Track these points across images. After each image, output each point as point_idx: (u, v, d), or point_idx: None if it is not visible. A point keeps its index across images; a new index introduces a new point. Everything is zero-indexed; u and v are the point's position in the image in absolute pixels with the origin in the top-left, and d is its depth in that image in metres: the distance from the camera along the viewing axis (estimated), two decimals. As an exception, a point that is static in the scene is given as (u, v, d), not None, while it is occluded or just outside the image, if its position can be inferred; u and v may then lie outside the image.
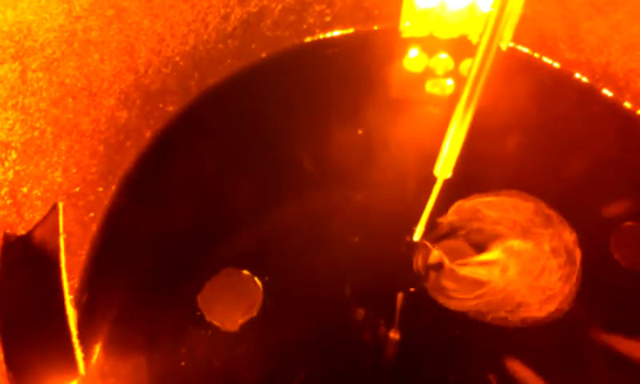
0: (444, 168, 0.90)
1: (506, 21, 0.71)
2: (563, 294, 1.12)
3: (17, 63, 0.86)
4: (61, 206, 0.85)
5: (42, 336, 0.75)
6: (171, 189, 1.24)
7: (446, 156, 0.88)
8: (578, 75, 1.42)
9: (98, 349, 1.06)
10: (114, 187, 1.21)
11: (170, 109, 1.30)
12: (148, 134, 1.27)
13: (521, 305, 1.10)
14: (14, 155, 0.87)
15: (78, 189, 1.07)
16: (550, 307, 1.11)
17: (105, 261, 1.14)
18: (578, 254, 1.15)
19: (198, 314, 1.10)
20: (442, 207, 1.11)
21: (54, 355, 0.74)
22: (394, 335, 1.10)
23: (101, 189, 1.16)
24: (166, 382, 1.04)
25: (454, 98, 1.40)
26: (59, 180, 1.01)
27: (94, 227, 1.16)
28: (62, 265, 0.80)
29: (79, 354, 0.74)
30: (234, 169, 1.28)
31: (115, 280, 1.13)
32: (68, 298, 0.77)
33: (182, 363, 1.06)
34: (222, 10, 1.26)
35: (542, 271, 1.13)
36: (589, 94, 1.41)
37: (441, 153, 0.89)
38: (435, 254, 1.13)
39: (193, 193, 1.24)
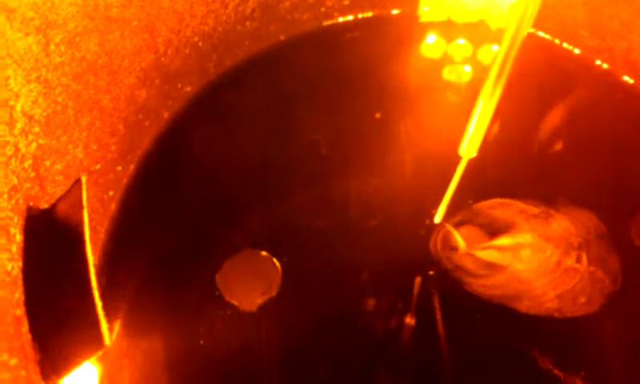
0: (469, 147, 0.89)
1: (534, 8, 0.71)
2: (583, 282, 1.10)
3: (40, 35, 0.86)
4: (84, 179, 0.84)
5: (67, 307, 0.75)
6: (190, 170, 1.24)
7: (472, 135, 0.87)
8: (598, 62, 1.40)
9: (117, 327, 1.06)
10: (132, 167, 1.20)
11: (189, 89, 1.30)
12: (166, 115, 1.26)
13: (536, 292, 1.09)
14: (37, 128, 0.87)
15: (98, 166, 1.07)
16: (568, 298, 1.10)
17: (124, 239, 1.14)
18: (597, 245, 1.14)
19: (217, 293, 1.10)
20: (463, 191, 1.10)
21: (79, 326, 0.74)
22: (410, 318, 1.09)
23: (120, 168, 1.16)
24: (184, 359, 1.04)
25: (471, 85, 1.41)
26: (80, 156, 1.00)
27: (113, 206, 1.15)
28: (87, 237, 0.79)
29: (105, 325, 0.74)
30: (253, 151, 1.27)
31: (134, 258, 1.13)
32: (93, 270, 0.77)
33: (201, 342, 1.05)
34: (242, -9, 1.26)
35: (558, 262, 1.11)
36: (609, 80, 1.40)
37: (466, 132, 0.89)
38: (455, 236, 1.12)
39: (212, 174, 1.24)
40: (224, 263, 1.13)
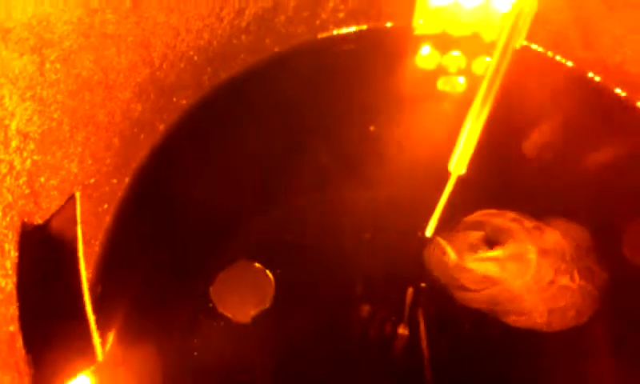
0: (459, 164, 0.90)
1: (525, 20, 0.72)
2: (574, 298, 1.11)
3: (35, 55, 0.87)
4: (78, 195, 0.86)
5: (60, 323, 0.76)
6: (184, 182, 1.25)
7: (461, 152, 0.88)
8: (591, 74, 1.42)
9: (111, 338, 1.07)
10: (127, 179, 1.22)
11: (184, 102, 1.31)
12: (161, 128, 1.28)
13: (526, 306, 1.10)
14: (32, 145, 0.88)
15: (92, 180, 1.08)
16: (557, 311, 1.11)
17: (118, 252, 1.16)
18: (586, 258, 1.15)
19: (211, 305, 1.11)
20: (454, 204, 1.11)
21: (72, 341, 0.75)
22: (403, 329, 1.11)
23: (115, 181, 1.17)
24: (179, 371, 1.05)
25: (465, 96, 1.43)
26: (75, 171, 1.02)
27: (108, 219, 1.17)
28: (80, 253, 0.81)
29: (97, 340, 0.75)
30: (247, 163, 1.29)
31: (129, 271, 1.15)
32: (86, 285, 0.79)
33: (195, 353, 1.07)
34: (237, 5, 1.27)
35: (550, 277, 1.12)
36: (602, 93, 1.42)
37: (456, 149, 0.90)
38: (446, 249, 1.13)
39: (205, 186, 1.25)
40: (218, 275, 1.14)
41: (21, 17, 0.83)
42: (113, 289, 1.12)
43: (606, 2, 1.31)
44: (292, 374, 1.08)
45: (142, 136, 1.22)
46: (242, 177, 1.27)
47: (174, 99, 1.28)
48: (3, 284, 0.75)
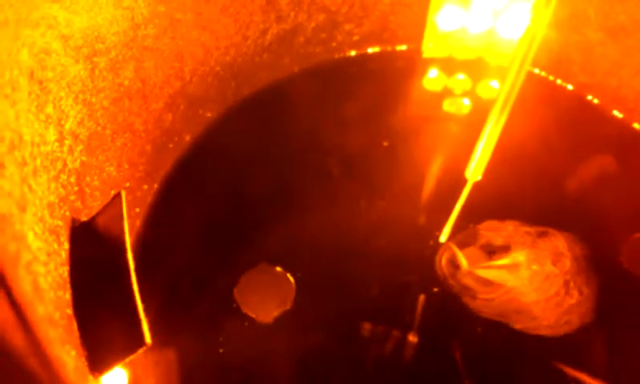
0: (475, 171, 0.98)
1: (536, 44, 0.81)
2: (574, 305, 1.17)
3: (88, 62, 0.94)
4: (124, 194, 0.92)
5: (111, 309, 0.82)
6: (209, 190, 1.31)
7: (478, 160, 0.96)
8: (590, 97, 1.50)
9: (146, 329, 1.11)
10: (156, 186, 1.28)
11: (209, 115, 1.38)
12: (188, 138, 1.35)
13: (532, 312, 1.16)
14: (81, 146, 0.95)
15: (128, 184, 1.14)
16: (562, 317, 1.17)
17: (148, 255, 1.21)
18: (588, 269, 1.21)
19: (235, 306, 1.16)
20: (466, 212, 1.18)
21: (123, 326, 0.80)
22: (415, 333, 1.16)
23: (146, 186, 1.23)
24: (205, 367, 1.10)
25: (469, 117, 1.51)
26: (114, 174, 1.08)
27: (138, 222, 1.23)
28: (128, 245, 0.87)
29: (145, 326, 0.80)
30: (268, 173, 1.35)
31: (158, 272, 1.20)
32: (134, 275, 0.84)
33: (220, 350, 1.12)
34: (261, 26, 1.35)
35: (552, 283, 1.18)
36: (600, 114, 1.50)
37: (472, 156, 0.97)
38: (458, 256, 1.19)
39: (229, 194, 1.31)
40: (241, 278, 1.20)
41: (78, 26, 0.90)
42: (143, 289, 1.17)
43: (604, 29, 1.40)
44: (311, 371, 1.13)
45: (171, 145, 1.29)
46: (262, 186, 1.34)
47: (201, 111, 1.35)
48: (61, 271, 0.80)
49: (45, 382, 0.52)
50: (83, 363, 0.76)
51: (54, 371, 0.55)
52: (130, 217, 1.14)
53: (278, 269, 1.21)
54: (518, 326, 1.16)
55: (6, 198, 0.62)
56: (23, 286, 0.54)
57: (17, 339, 0.42)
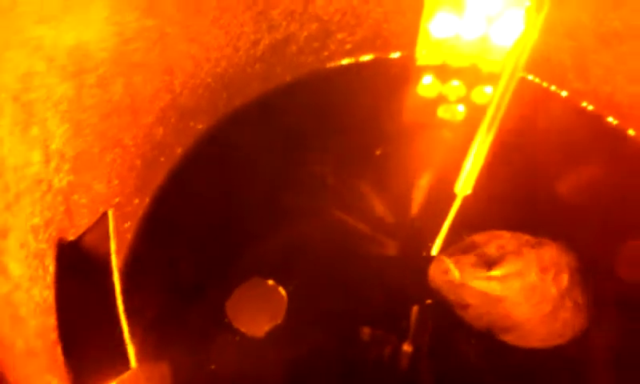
0: (464, 185, 0.97)
1: (528, 51, 0.80)
2: (569, 318, 1.16)
3: (75, 80, 0.94)
4: (111, 213, 0.92)
5: (96, 331, 0.81)
6: (201, 203, 1.31)
7: (467, 174, 0.95)
8: (584, 104, 1.50)
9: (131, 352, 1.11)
10: (147, 200, 1.27)
11: (200, 127, 1.38)
12: (179, 151, 1.34)
13: (524, 324, 1.15)
14: (67, 165, 0.94)
15: (117, 199, 1.14)
16: (556, 330, 1.16)
17: (138, 269, 1.21)
18: (581, 279, 1.21)
19: (226, 320, 1.16)
20: (458, 224, 1.17)
21: (107, 349, 0.80)
22: (408, 346, 1.15)
23: (137, 200, 1.23)
24: (197, 382, 1.10)
25: (464, 123, 1.50)
26: (103, 191, 1.08)
27: (129, 236, 1.22)
28: (114, 265, 0.86)
29: (131, 348, 0.80)
30: (260, 185, 1.35)
31: (148, 287, 1.19)
32: (119, 296, 0.84)
33: (212, 366, 1.12)
34: (253, 36, 1.35)
35: (544, 293, 1.17)
36: (594, 121, 1.50)
37: (462, 171, 0.97)
38: (450, 268, 1.18)
39: (221, 207, 1.31)
40: (233, 292, 1.19)
41: (65, 44, 0.89)
42: (133, 304, 1.16)
43: (598, 35, 1.39)
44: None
45: (162, 159, 1.29)
46: (254, 198, 1.33)
47: (192, 124, 1.35)
48: (45, 295, 0.80)
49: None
50: (68, 389, 0.76)
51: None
52: (119, 232, 1.15)
53: (270, 282, 1.21)
54: (509, 338, 1.16)
55: (-15, 229, 0.62)
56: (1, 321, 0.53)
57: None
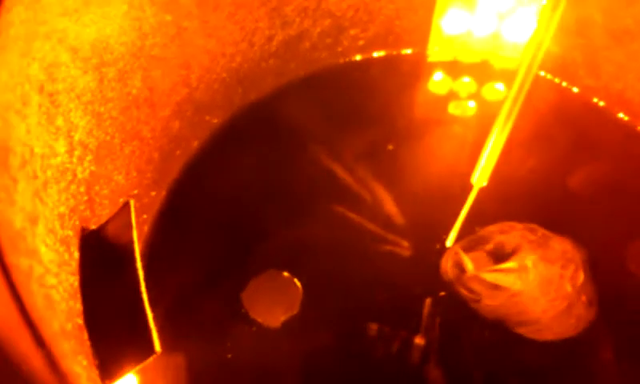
0: (481, 177, 0.98)
1: (545, 47, 0.81)
2: (582, 312, 1.18)
3: (97, 73, 0.95)
4: (132, 202, 0.93)
5: (121, 318, 0.83)
6: (216, 196, 1.32)
7: (484, 166, 0.96)
8: (595, 100, 1.51)
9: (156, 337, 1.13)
10: (164, 192, 1.29)
11: (215, 121, 1.39)
12: (195, 144, 1.36)
13: (535, 316, 1.16)
14: (90, 156, 0.96)
15: (136, 191, 1.16)
16: (569, 323, 1.17)
17: (156, 261, 1.22)
18: (592, 273, 1.22)
19: (243, 311, 1.18)
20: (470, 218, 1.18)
21: (132, 334, 0.82)
22: (421, 338, 1.17)
23: (154, 193, 1.25)
24: (214, 371, 1.12)
25: (474, 119, 1.51)
26: (122, 182, 1.09)
27: (146, 228, 1.24)
28: (137, 254, 0.88)
29: (155, 334, 0.82)
30: (274, 178, 1.36)
31: (166, 278, 1.21)
32: (143, 284, 0.85)
33: (229, 355, 1.13)
34: (267, 32, 1.36)
35: (559, 287, 1.18)
36: (605, 117, 1.50)
37: (478, 163, 0.98)
38: (464, 260, 1.19)
39: (236, 200, 1.32)
40: (249, 283, 1.21)
41: (87, 38, 0.91)
42: (149, 295, 1.18)
43: (609, 33, 1.40)
44: (317, 374, 1.15)
45: (178, 152, 1.30)
46: (269, 191, 1.35)
47: (207, 118, 1.36)
48: (71, 280, 0.82)
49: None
50: (95, 373, 0.77)
51: (67, 384, 0.56)
52: (137, 223, 1.16)
53: (285, 274, 1.22)
54: (524, 331, 1.17)
55: (19, 213, 0.63)
56: (37, 301, 0.55)
57: (34, 359, 0.43)
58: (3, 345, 0.43)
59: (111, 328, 0.83)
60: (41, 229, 0.71)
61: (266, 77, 1.45)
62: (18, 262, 0.54)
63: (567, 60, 1.49)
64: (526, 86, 0.88)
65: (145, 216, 1.23)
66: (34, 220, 0.69)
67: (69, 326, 0.71)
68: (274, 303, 1.19)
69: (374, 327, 1.19)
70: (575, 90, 1.53)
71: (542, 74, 1.56)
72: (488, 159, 0.96)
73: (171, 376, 1.11)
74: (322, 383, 1.14)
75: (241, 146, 1.41)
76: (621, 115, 1.49)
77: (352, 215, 1.33)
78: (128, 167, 1.11)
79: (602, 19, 1.40)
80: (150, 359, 0.81)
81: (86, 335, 0.80)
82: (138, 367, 0.80)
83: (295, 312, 1.18)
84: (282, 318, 1.18)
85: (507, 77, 1.56)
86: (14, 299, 0.47)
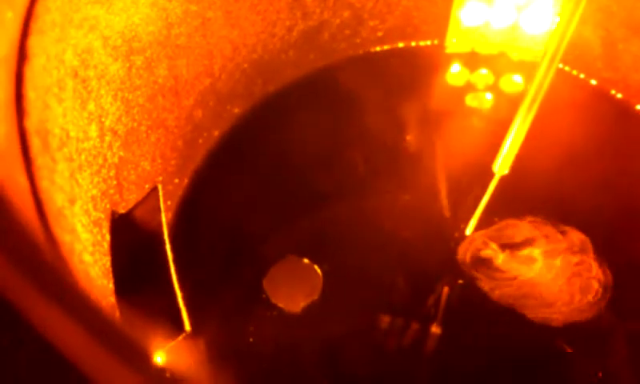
0: (502, 164, 1.00)
1: (566, 41, 0.83)
2: (593, 303, 1.19)
3: (126, 61, 0.98)
4: (160, 187, 0.95)
5: (151, 298, 0.85)
6: (237, 185, 1.35)
7: (506, 154, 0.98)
8: (613, 92, 1.51)
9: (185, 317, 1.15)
10: (186, 180, 1.32)
11: (236, 111, 1.41)
12: (216, 133, 1.38)
13: (548, 302, 1.19)
14: (118, 142, 0.99)
15: (160, 178, 1.18)
16: (580, 313, 1.19)
17: (179, 247, 1.24)
18: (605, 263, 1.23)
19: (264, 296, 1.20)
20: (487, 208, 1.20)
21: (163, 315, 0.84)
22: (439, 324, 1.18)
23: (177, 180, 1.27)
24: (236, 355, 1.14)
25: (492, 111, 1.52)
26: (148, 168, 1.12)
27: (170, 215, 1.26)
28: (166, 236, 0.90)
29: (185, 313, 0.84)
30: (294, 168, 1.38)
31: (189, 264, 1.23)
32: (172, 264, 0.88)
33: (251, 339, 1.15)
34: (288, 23, 1.38)
35: (573, 277, 1.20)
36: (623, 109, 1.51)
37: (500, 151, 0.99)
38: (482, 248, 1.21)
39: (256, 189, 1.35)
40: (270, 269, 1.23)
41: (117, 26, 0.93)
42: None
43: (627, 24, 1.40)
44: (337, 359, 1.17)
45: (201, 141, 1.33)
46: (289, 180, 1.37)
47: (228, 107, 1.38)
48: (104, 261, 0.84)
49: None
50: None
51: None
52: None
53: (306, 261, 1.24)
54: (537, 318, 1.18)
55: (59, 192, 0.66)
56: (79, 276, 0.57)
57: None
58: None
59: (142, 308, 0.86)
60: (77, 209, 0.74)
61: (286, 68, 1.47)
62: (62, 237, 0.57)
63: (585, 52, 1.50)
64: (550, 76, 0.89)
65: (169, 202, 1.26)
66: (72, 200, 0.71)
67: (104, 304, 0.73)
68: (295, 289, 1.21)
69: (392, 314, 1.20)
70: (593, 81, 1.54)
71: (560, 65, 1.55)
72: (510, 147, 0.97)
73: (194, 359, 1.13)
74: (340, 366, 1.16)
75: (261, 136, 1.43)
76: (639, 107, 1.49)
77: (371, 204, 1.35)
78: (154, 154, 1.14)
79: (620, 11, 1.41)
80: (180, 338, 0.84)
81: (117, 314, 0.82)
82: (169, 345, 0.83)
83: (315, 298, 1.20)
84: (303, 304, 1.20)
85: (525, 69, 1.57)
86: (63, 272, 0.50)
